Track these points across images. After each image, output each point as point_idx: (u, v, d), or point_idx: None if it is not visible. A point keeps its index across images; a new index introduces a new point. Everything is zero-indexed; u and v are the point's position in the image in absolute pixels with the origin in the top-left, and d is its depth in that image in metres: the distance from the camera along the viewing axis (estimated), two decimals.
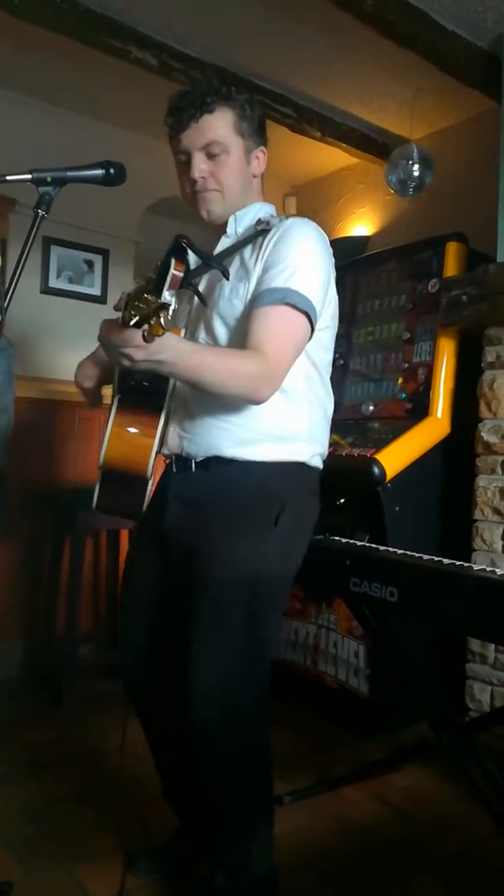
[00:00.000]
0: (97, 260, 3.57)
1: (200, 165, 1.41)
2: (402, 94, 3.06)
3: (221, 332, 1.43)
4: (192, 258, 1.41)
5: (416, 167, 3.07)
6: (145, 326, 1.05)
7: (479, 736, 1.85)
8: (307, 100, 3.17)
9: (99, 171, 1.28)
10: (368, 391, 2.89)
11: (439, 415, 2.61)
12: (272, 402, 1.37)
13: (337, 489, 2.45)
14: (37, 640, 3.05)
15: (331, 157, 3.67)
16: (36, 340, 3.29)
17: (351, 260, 3.10)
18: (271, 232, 1.41)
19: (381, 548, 1.91)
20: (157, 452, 1.47)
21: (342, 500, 2.48)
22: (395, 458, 2.46)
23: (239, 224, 1.49)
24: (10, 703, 2.72)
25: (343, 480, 2.42)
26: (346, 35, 2.61)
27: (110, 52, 2.70)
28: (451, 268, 2.67)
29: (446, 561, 1.64)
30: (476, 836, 1.90)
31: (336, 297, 1.51)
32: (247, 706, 1.38)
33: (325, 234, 1.45)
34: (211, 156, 1.41)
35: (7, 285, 1.22)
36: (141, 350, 1.12)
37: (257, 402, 1.34)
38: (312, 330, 1.39)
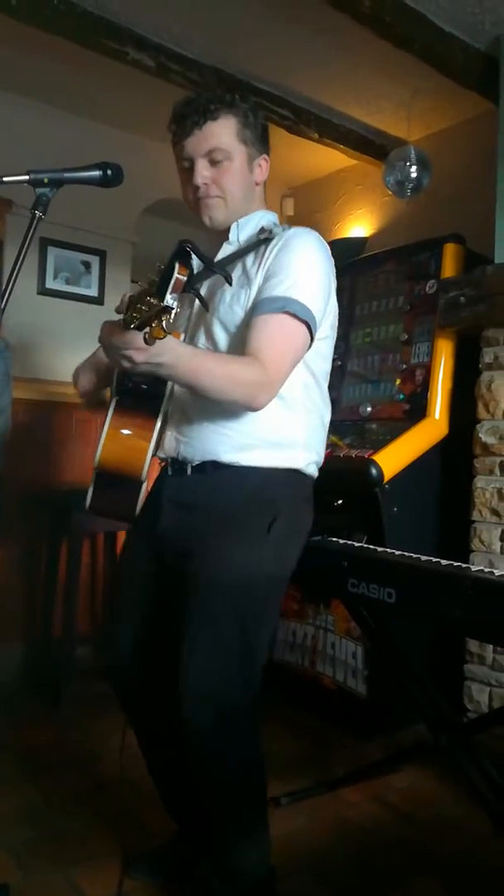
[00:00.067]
0: (94, 261, 3.57)
1: (203, 172, 1.42)
2: (400, 95, 3.06)
3: (221, 338, 1.43)
4: (195, 263, 1.41)
5: (413, 168, 3.08)
6: (147, 329, 1.05)
7: (477, 737, 1.85)
8: (305, 101, 3.17)
9: (96, 173, 1.28)
10: (366, 392, 2.89)
11: (437, 416, 2.61)
12: (270, 408, 1.38)
13: (335, 490, 2.45)
14: (34, 643, 3.05)
15: (328, 159, 3.68)
16: (33, 342, 3.29)
17: (349, 261, 3.10)
18: (274, 241, 1.42)
19: (379, 549, 1.91)
20: (153, 456, 1.47)
21: (340, 501, 2.48)
22: (392, 459, 2.46)
23: (241, 231, 1.49)
24: (8, 705, 2.72)
25: (341, 481, 2.42)
26: (343, 36, 2.61)
27: (108, 53, 2.70)
28: (448, 269, 2.68)
29: (444, 562, 1.64)
30: (475, 836, 1.90)
31: (336, 308, 1.52)
32: (238, 708, 1.37)
33: (327, 245, 1.46)
34: (214, 162, 1.42)
35: (4, 286, 1.22)
36: (142, 352, 1.12)
37: (254, 409, 1.35)
38: (312, 339, 1.40)
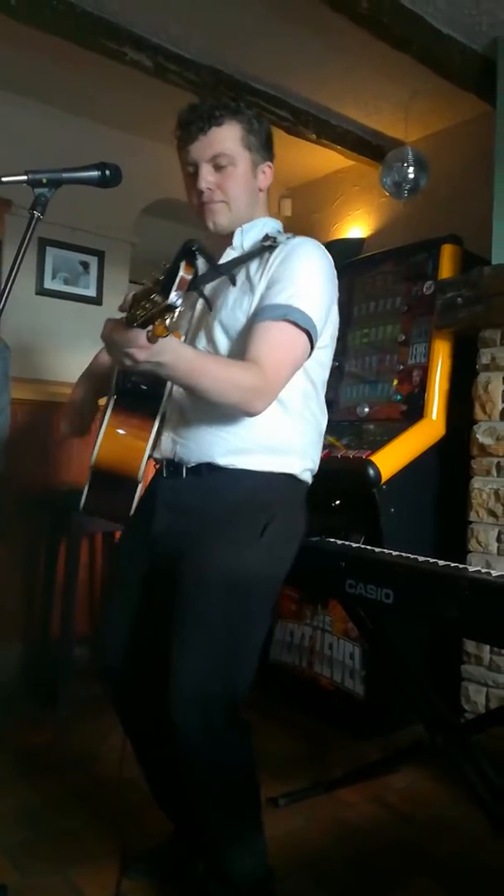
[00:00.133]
0: (93, 261, 3.57)
1: (207, 177, 1.43)
2: (398, 96, 3.07)
3: (222, 342, 1.44)
4: (200, 264, 1.42)
5: (410, 169, 3.08)
6: (150, 327, 1.05)
7: (474, 737, 1.85)
8: (303, 102, 3.18)
9: (95, 173, 1.28)
10: (364, 393, 2.89)
11: (434, 417, 2.61)
12: (269, 414, 1.39)
13: (332, 491, 2.46)
14: (32, 643, 3.05)
15: (326, 160, 3.68)
16: (31, 342, 3.29)
17: (346, 262, 3.11)
18: (278, 249, 1.43)
19: (377, 549, 1.91)
20: (150, 457, 1.47)
21: (337, 502, 2.49)
22: (390, 459, 2.46)
23: (245, 237, 1.50)
24: (6, 705, 2.71)
25: (338, 482, 2.43)
26: (341, 37, 2.61)
27: (106, 54, 2.70)
28: (445, 270, 2.68)
29: (441, 562, 1.64)
30: (473, 837, 1.90)
31: (337, 318, 1.53)
32: (227, 711, 1.37)
33: (330, 257, 1.47)
34: (218, 168, 1.43)
35: (3, 287, 1.22)
36: (143, 351, 1.12)
37: (251, 414, 1.35)
38: (312, 348, 1.41)
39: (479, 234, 2.62)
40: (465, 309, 2.46)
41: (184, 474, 1.46)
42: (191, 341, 1.48)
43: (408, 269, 2.84)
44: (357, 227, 3.77)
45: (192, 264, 1.06)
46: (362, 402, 2.84)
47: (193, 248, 1.19)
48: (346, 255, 3.32)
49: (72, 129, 3.41)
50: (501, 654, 2.34)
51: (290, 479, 1.48)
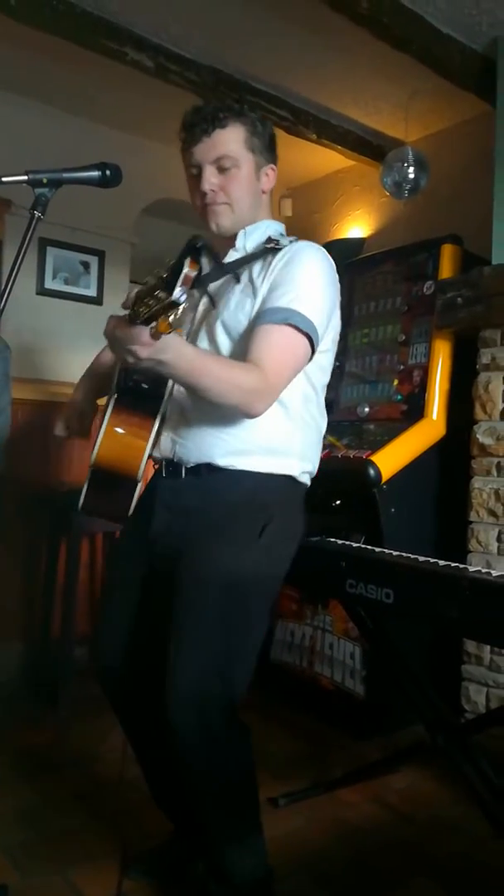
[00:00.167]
0: (93, 261, 3.57)
1: (211, 179, 1.44)
2: (398, 96, 3.07)
3: (224, 343, 1.44)
4: (205, 261, 1.42)
5: (411, 169, 3.08)
6: (153, 324, 1.04)
7: (475, 737, 1.85)
8: (303, 102, 3.18)
9: (95, 173, 1.28)
10: (364, 393, 2.89)
11: (434, 416, 2.61)
12: (269, 416, 1.39)
13: (333, 491, 2.46)
14: (33, 643, 3.05)
15: (326, 160, 3.68)
16: (32, 342, 3.29)
17: (347, 262, 3.11)
18: (281, 252, 1.43)
19: (377, 549, 1.91)
20: (150, 456, 1.47)
21: (338, 502, 2.49)
22: (390, 459, 2.46)
23: (248, 239, 1.50)
24: (6, 705, 2.71)
25: (339, 482, 2.43)
26: (341, 37, 2.61)
27: (107, 54, 2.70)
28: (446, 270, 2.68)
29: (442, 562, 1.64)
30: (473, 837, 1.90)
31: (339, 323, 1.54)
32: (224, 711, 1.37)
33: (333, 263, 1.48)
34: (222, 170, 1.44)
35: (3, 287, 1.22)
36: (146, 347, 1.12)
37: (251, 416, 1.35)
38: (313, 352, 1.41)
39: (480, 234, 2.62)
40: (466, 309, 2.46)
41: (183, 474, 1.46)
42: (193, 341, 1.48)
43: (408, 269, 2.84)
44: (357, 226, 3.77)
45: (196, 261, 1.06)
46: (362, 402, 2.84)
47: (198, 246, 1.19)
48: (346, 256, 3.32)
49: (72, 129, 3.41)
50: (502, 654, 2.34)
51: (289, 480, 1.48)
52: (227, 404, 1.32)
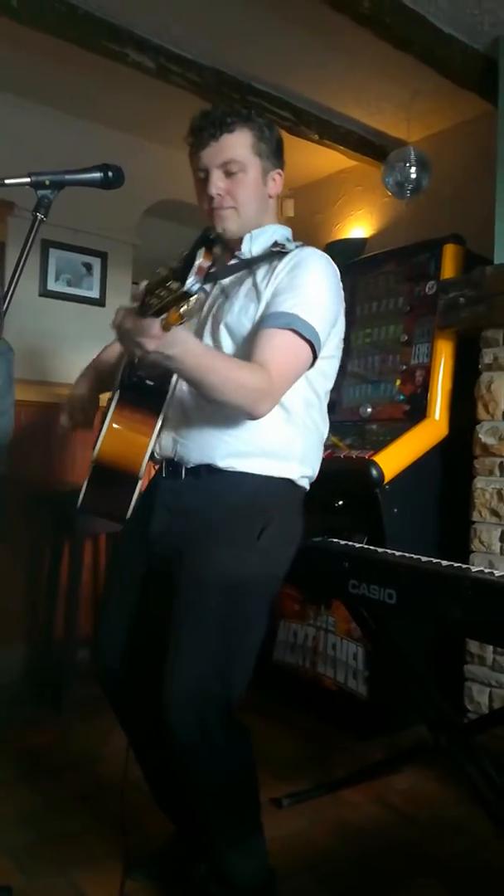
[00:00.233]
0: (96, 263, 3.57)
1: (218, 183, 1.44)
2: (399, 96, 3.07)
3: (227, 346, 1.44)
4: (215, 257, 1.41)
5: (413, 169, 3.08)
6: (163, 315, 1.04)
7: (478, 738, 1.85)
8: (305, 102, 3.18)
9: (97, 175, 1.29)
10: (366, 393, 2.89)
11: (437, 416, 2.61)
12: (271, 419, 1.39)
13: (335, 491, 2.46)
14: (36, 644, 3.05)
15: (328, 160, 3.68)
16: (35, 344, 3.29)
17: (349, 262, 3.11)
18: (287, 258, 1.44)
19: (380, 550, 1.91)
20: (151, 455, 1.47)
21: (340, 502, 2.49)
22: (393, 459, 2.46)
23: (254, 243, 1.51)
24: (9, 706, 2.72)
25: (341, 482, 2.43)
26: (343, 38, 2.61)
27: (108, 55, 2.70)
28: (448, 270, 2.68)
29: (444, 563, 1.64)
30: (476, 837, 1.90)
31: (343, 331, 1.54)
32: (223, 712, 1.37)
33: (337, 270, 1.48)
34: (229, 174, 1.45)
35: (6, 289, 1.22)
36: (155, 340, 1.12)
37: (253, 417, 1.35)
38: (315, 358, 1.41)
39: (482, 234, 2.62)
40: (468, 309, 2.46)
41: (183, 475, 1.46)
42: None
43: (410, 269, 2.84)
44: (359, 227, 3.77)
45: (210, 252, 1.05)
46: (365, 402, 2.84)
47: (212, 237, 1.17)
48: (348, 256, 3.32)
49: (74, 131, 3.41)
50: None
51: (289, 484, 1.49)
52: (230, 403, 1.32)
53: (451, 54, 2.63)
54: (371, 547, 1.94)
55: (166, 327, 1.07)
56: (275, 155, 1.51)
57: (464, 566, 1.63)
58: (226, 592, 1.37)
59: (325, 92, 3.10)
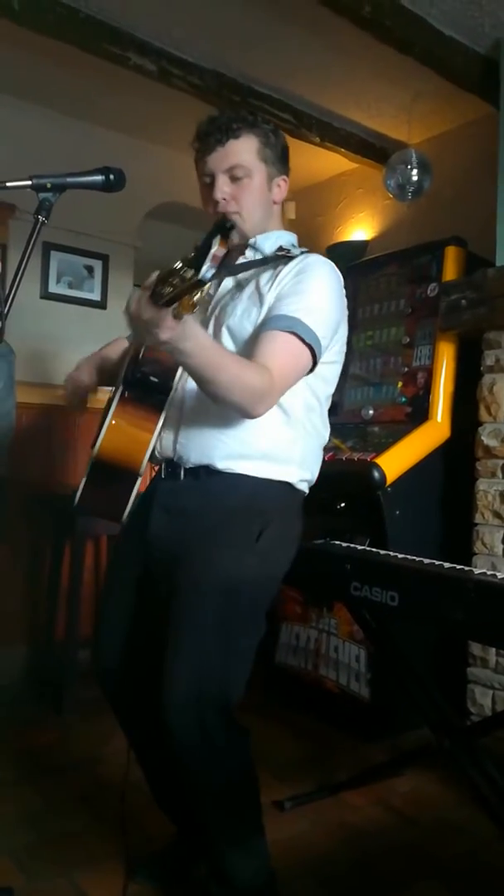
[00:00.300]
0: (97, 265, 3.57)
1: (223, 187, 1.45)
2: (401, 98, 3.07)
3: (228, 348, 1.44)
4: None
5: (414, 172, 3.08)
6: (175, 305, 1.04)
7: (480, 740, 1.85)
8: (306, 105, 3.18)
9: (98, 177, 1.29)
10: (368, 395, 2.89)
11: (439, 419, 2.61)
12: (271, 422, 1.40)
13: (337, 493, 2.46)
14: (37, 645, 3.05)
15: (330, 162, 3.68)
16: (36, 346, 3.29)
17: (350, 265, 3.11)
18: (292, 263, 1.44)
19: (382, 552, 1.91)
20: (153, 450, 1.47)
21: (342, 504, 2.49)
22: (395, 462, 2.46)
23: (259, 248, 1.51)
24: (10, 707, 2.72)
25: (343, 484, 2.43)
26: (343, 40, 2.62)
27: (109, 58, 2.71)
28: (450, 272, 2.68)
29: (447, 565, 1.64)
30: (478, 840, 1.90)
31: (345, 337, 1.54)
32: (222, 714, 1.37)
33: (342, 278, 1.49)
34: (234, 179, 1.46)
35: (7, 291, 1.22)
36: (168, 330, 1.11)
37: (251, 416, 1.35)
38: (315, 364, 1.42)
39: (483, 236, 2.62)
40: (470, 311, 2.46)
41: (181, 476, 1.46)
42: None
43: (412, 271, 2.84)
44: (361, 229, 3.77)
45: (225, 240, 1.04)
46: (367, 404, 2.84)
47: (228, 225, 1.17)
48: (349, 258, 3.32)
49: (75, 134, 3.42)
50: None
51: (287, 487, 1.49)
52: (232, 401, 1.31)
53: (452, 56, 2.64)
54: (373, 549, 1.94)
55: (178, 316, 1.07)
56: (280, 161, 1.52)
57: (466, 568, 1.63)
58: (224, 594, 1.37)
59: (326, 94, 3.10)
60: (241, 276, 1.51)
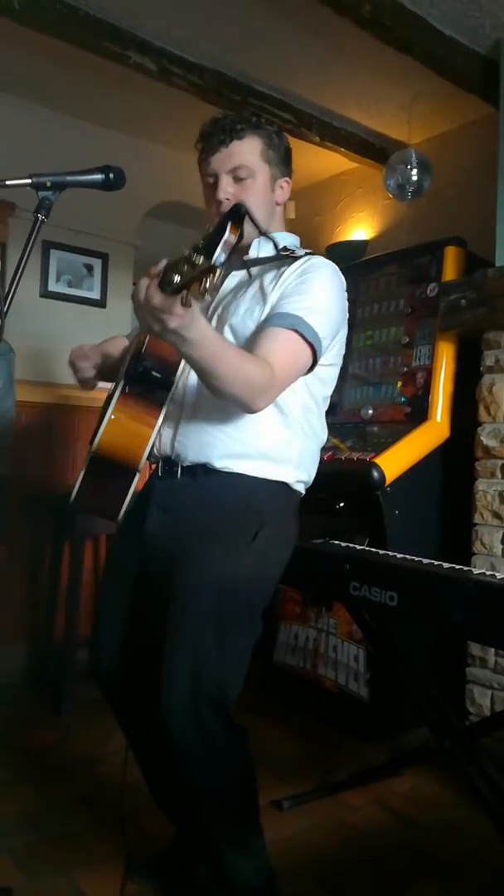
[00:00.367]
0: (96, 264, 3.57)
1: (227, 188, 1.46)
2: (401, 98, 3.07)
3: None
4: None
5: (414, 171, 3.08)
6: (184, 292, 1.03)
7: (479, 740, 1.85)
8: (306, 104, 3.18)
9: (98, 176, 1.29)
10: (368, 395, 2.89)
11: (438, 419, 2.61)
12: (269, 422, 1.41)
13: (336, 493, 2.46)
14: (36, 645, 3.05)
15: (330, 162, 3.68)
16: (36, 345, 3.29)
17: (350, 264, 3.10)
18: (297, 263, 1.45)
19: (381, 552, 1.91)
20: (152, 447, 1.47)
21: (341, 504, 2.49)
22: (394, 461, 2.46)
23: (262, 249, 1.52)
24: (10, 707, 2.72)
25: (342, 484, 2.43)
26: (344, 40, 2.62)
27: (110, 57, 2.70)
28: (449, 272, 2.68)
29: (446, 565, 1.64)
30: (477, 840, 1.90)
31: (345, 340, 1.55)
32: (220, 713, 1.37)
33: (344, 282, 1.50)
34: (237, 180, 1.47)
35: (7, 289, 1.22)
36: (177, 318, 1.11)
37: (251, 411, 1.35)
38: (314, 363, 1.42)
39: (483, 236, 2.62)
40: (469, 311, 2.46)
41: (178, 475, 1.46)
42: None
43: (411, 271, 2.84)
44: (361, 229, 3.77)
45: (237, 227, 1.03)
46: (366, 404, 2.84)
47: (242, 211, 1.16)
48: (349, 258, 3.32)
49: (75, 133, 3.42)
50: None
51: (284, 487, 1.49)
52: (232, 395, 1.31)
53: (452, 56, 2.63)
54: (372, 549, 1.94)
55: (187, 303, 1.06)
56: (283, 163, 1.53)
57: (465, 568, 1.63)
58: (220, 594, 1.37)
59: (326, 94, 3.10)
60: (243, 275, 1.51)
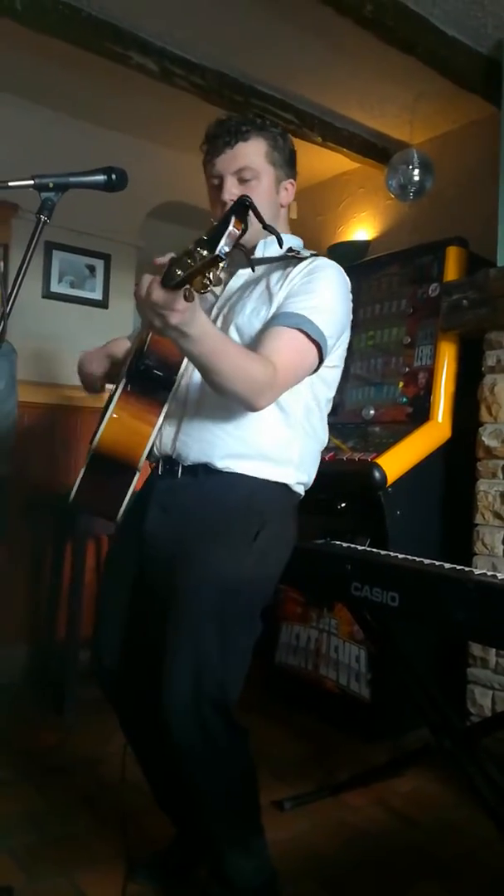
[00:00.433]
0: (99, 265, 3.58)
1: (232, 189, 1.46)
2: (403, 98, 3.07)
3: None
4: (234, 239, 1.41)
5: (416, 172, 3.08)
6: (188, 285, 1.03)
7: (480, 740, 1.85)
8: (308, 105, 3.18)
9: (101, 177, 1.29)
10: (369, 395, 2.89)
11: (440, 419, 2.61)
12: (271, 423, 1.41)
13: (338, 493, 2.46)
14: (38, 645, 3.05)
15: (332, 162, 3.68)
16: (38, 345, 3.30)
17: (352, 264, 3.10)
18: (303, 264, 1.45)
19: (383, 552, 1.91)
20: (152, 445, 1.47)
21: (343, 505, 2.49)
22: (396, 462, 2.46)
23: (267, 250, 1.53)
24: (11, 707, 2.72)
25: (344, 484, 2.43)
26: (346, 40, 2.62)
27: (112, 57, 2.71)
28: (451, 272, 2.68)
29: (447, 565, 1.64)
30: (478, 840, 1.90)
31: (347, 342, 1.55)
32: (221, 713, 1.37)
33: (349, 283, 1.50)
34: (242, 181, 1.47)
35: (9, 290, 1.22)
36: (178, 314, 1.11)
37: (252, 409, 1.35)
38: (320, 362, 1.42)
39: (485, 236, 2.62)
40: (471, 311, 2.46)
41: (179, 474, 1.46)
42: None
43: (413, 271, 2.84)
44: (362, 229, 3.77)
45: (242, 220, 1.03)
46: (368, 404, 2.84)
47: (247, 203, 1.16)
48: (351, 258, 3.32)
49: (77, 133, 3.42)
50: None
51: (284, 488, 1.49)
52: (234, 392, 1.31)
53: (455, 57, 2.63)
54: (374, 549, 1.94)
55: (189, 297, 1.06)
56: (288, 164, 1.54)
57: (467, 569, 1.63)
58: (223, 593, 1.37)
59: (328, 94, 3.10)
60: (249, 275, 1.51)
